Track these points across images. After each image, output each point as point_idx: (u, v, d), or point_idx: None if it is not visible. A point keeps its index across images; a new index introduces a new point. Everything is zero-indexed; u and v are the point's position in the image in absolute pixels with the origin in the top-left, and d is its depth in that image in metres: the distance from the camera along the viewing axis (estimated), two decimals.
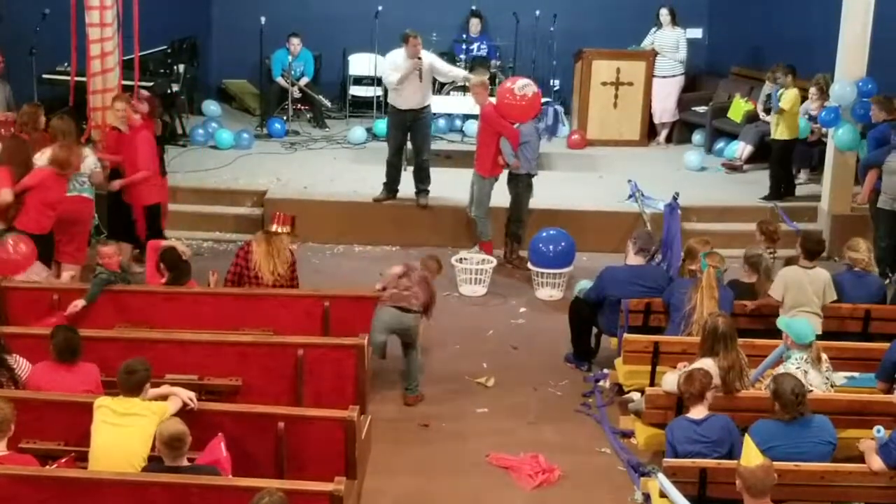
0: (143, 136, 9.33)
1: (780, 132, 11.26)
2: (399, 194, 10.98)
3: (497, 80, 13.52)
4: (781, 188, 11.33)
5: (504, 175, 10.11)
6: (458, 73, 11.28)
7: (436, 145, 12.04)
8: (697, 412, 6.01)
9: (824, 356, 6.68)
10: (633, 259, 8.17)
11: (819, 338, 7.27)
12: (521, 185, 10.07)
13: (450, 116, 13.63)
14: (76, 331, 6.44)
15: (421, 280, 7.80)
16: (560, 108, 10.31)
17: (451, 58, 13.73)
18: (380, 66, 13.50)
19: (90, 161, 8.91)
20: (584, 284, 8.65)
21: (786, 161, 11.42)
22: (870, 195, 9.91)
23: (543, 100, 10.08)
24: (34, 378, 6.34)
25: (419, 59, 10.41)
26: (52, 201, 8.52)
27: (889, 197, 9.61)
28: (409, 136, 10.70)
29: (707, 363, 6.41)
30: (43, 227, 8.50)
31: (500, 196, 10.28)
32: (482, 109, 10.11)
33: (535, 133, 10.10)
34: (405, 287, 7.70)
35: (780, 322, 6.81)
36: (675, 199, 8.91)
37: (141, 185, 9.37)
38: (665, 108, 13.38)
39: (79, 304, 7.58)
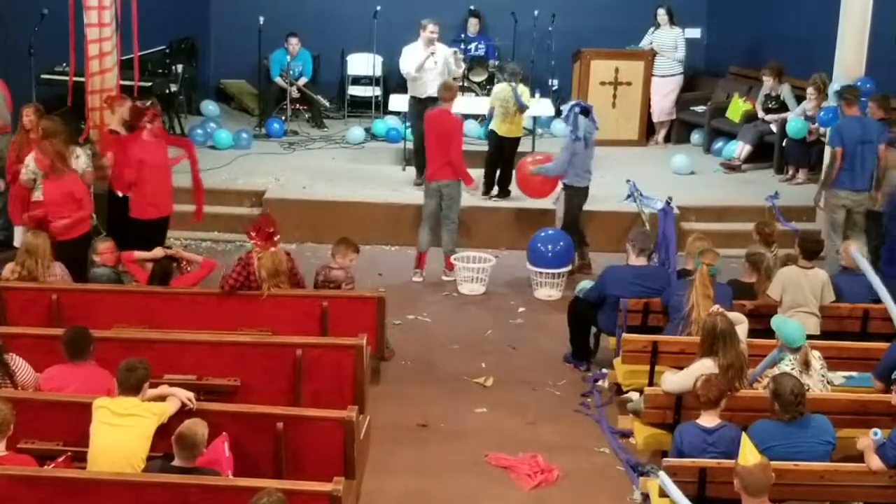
0: None
1: (515, 130, 10.99)
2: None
3: (495, 80, 13.55)
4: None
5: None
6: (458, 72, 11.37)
7: None
8: (708, 419, 5.95)
9: (815, 355, 6.63)
10: (636, 261, 8.16)
11: (818, 337, 7.28)
12: (568, 195, 10.00)
13: None
14: (87, 329, 6.38)
15: None
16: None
17: None
18: (378, 67, 13.58)
19: (82, 161, 8.86)
20: (585, 284, 8.64)
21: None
22: None
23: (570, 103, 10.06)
24: (47, 383, 6.27)
25: (433, 45, 10.65)
26: None
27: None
28: None
29: (707, 363, 6.40)
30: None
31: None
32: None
33: (581, 147, 9.82)
34: None
35: (774, 322, 6.75)
36: (668, 203, 8.93)
37: None
38: (663, 107, 13.38)
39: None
